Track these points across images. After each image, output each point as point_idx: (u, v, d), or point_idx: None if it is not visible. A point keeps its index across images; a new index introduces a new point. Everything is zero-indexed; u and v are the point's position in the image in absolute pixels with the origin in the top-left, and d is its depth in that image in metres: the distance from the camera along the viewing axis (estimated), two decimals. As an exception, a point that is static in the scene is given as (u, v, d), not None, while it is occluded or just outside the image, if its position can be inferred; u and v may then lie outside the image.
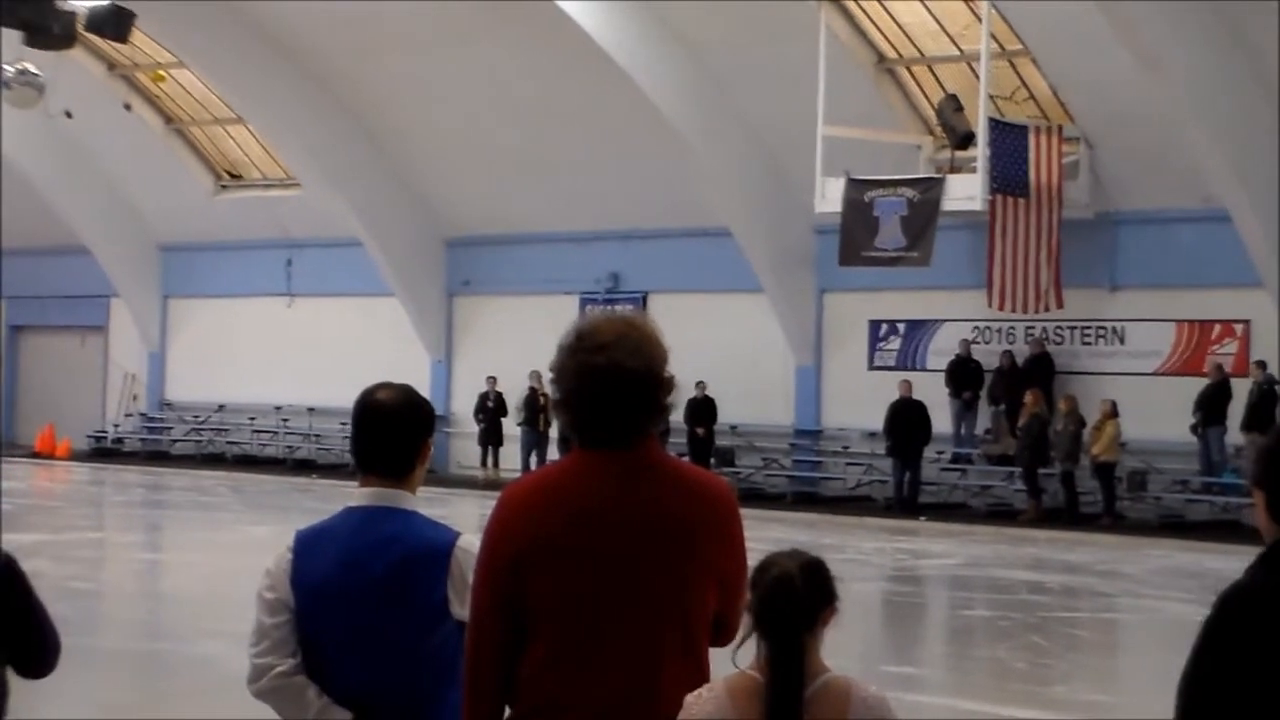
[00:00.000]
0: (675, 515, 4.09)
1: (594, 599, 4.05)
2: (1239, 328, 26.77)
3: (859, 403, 29.86)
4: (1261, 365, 25.72)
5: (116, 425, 40.24)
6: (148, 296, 40.02)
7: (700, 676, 4.02)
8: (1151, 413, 26.57)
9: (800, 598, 3.81)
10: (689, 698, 3.86)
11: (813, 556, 3.93)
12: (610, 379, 4.06)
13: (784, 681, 3.78)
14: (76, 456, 37.95)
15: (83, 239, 38.98)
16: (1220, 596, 3.64)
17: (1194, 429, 26.11)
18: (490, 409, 33.11)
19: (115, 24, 27.38)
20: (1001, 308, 27.82)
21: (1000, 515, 27.79)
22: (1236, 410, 25.57)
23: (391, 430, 4.62)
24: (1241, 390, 25.72)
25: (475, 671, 4.13)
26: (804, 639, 3.80)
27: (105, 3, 27.31)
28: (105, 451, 38.98)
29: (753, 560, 3.99)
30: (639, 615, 4.06)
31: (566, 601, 4.06)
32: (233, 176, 38.26)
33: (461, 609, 4.38)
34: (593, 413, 4.10)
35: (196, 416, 38.98)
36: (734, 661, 3.94)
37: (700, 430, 30.46)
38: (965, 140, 27.18)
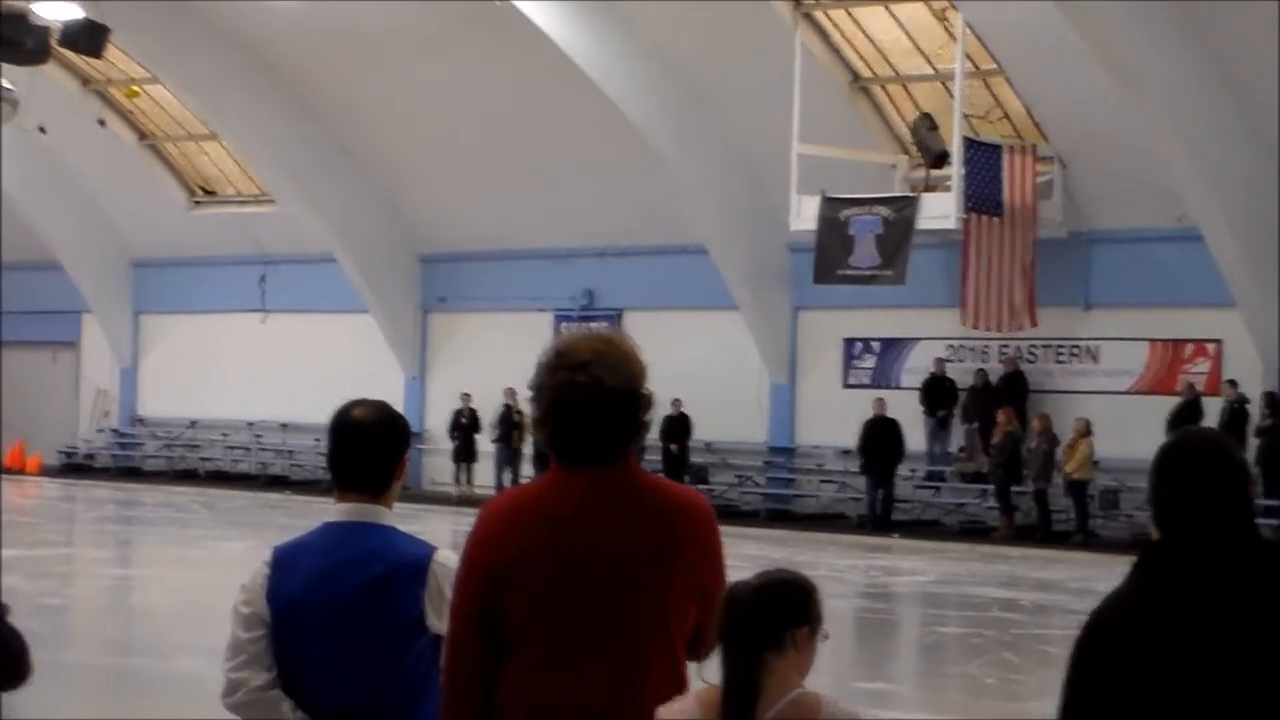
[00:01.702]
0: (654, 531, 4.10)
1: (573, 615, 4.06)
2: (1211, 347, 26.87)
3: (833, 420, 29.88)
4: (1233, 384, 25.83)
5: (88, 441, 40.11)
6: (120, 312, 39.89)
7: (678, 689, 4.04)
8: (1125, 431, 26.62)
9: (748, 613, 3.84)
10: (660, 709, 3.91)
11: (792, 575, 3.95)
12: (590, 397, 4.08)
13: (734, 696, 3.81)
14: (47, 472, 37.81)
15: (55, 254, 38.86)
16: (1093, 611, 3.65)
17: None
18: (464, 425, 33.07)
19: (89, 39, 27.32)
20: (976, 326, 27.88)
21: (973, 533, 27.84)
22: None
23: (368, 447, 4.63)
24: (1213, 409, 25.80)
25: (454, 687, 4.13)
26: (762, 655, 3.82)
27: (79, 18, 27.27)
28: (77, 467, 38.86)
29: (732, 577, 4.02)
30: (618, 631, 4.07)
31: (546, 617, 4.07)
32: (206, 192, 38.18)
33: (439, 623, 4.39)
34: (573, 430, 4.12)
35: (169, 432, 38.86)
36: (701, 677, 3.97)
37: (675, 447, 30.46)
38: (940, 159, 27.26)
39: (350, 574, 4.49)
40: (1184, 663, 3.50)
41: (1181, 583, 3.57)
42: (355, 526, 4.58)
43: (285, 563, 4.59)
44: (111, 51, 31.04)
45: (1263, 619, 3.52)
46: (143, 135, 37.55)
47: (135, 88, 36.15)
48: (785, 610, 3.88)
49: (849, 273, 27.99)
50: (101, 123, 36.40)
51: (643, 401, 4.16)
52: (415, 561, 4.52)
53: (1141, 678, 3.51)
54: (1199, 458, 3.69)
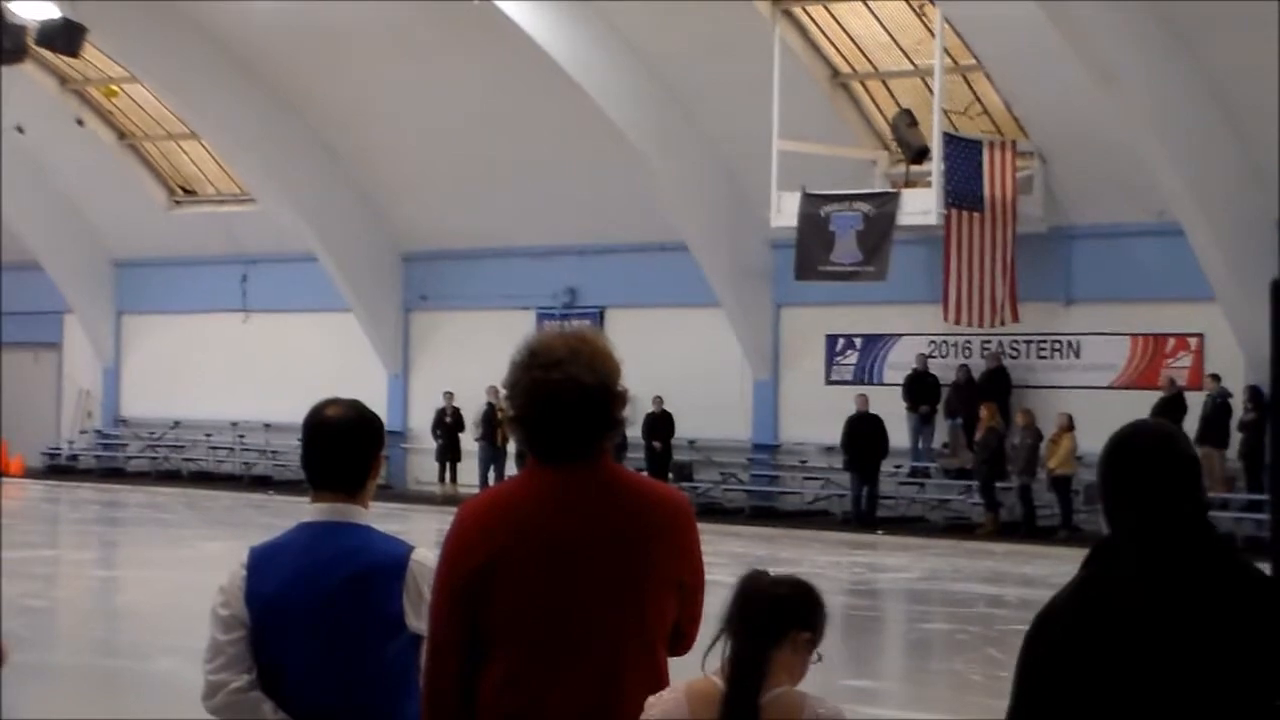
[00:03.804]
0: (632, 528, 4.10)
1: (553, 613, 4.06)
2: (1193, 341, 26.91)
3: (816, 417, 29.89)
4: (1215, 378, 25.86)
5: (71, 442, 40.03)
6: (102, 312, 39.81)
7: (660, 685, 4.04)
8: (1107, 426, 25.71)
9: (768, 604, 3.87)
10: (649, 700, 3.91)
11: (808, 583, 4.01)
12: (565, 395, 4.08)
13: (742, 683, 3.80)
14: (30, 474, 37.70)
15: (35, 255, 38.74)
16: (1044, 606, 3.63)
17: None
18: (447, 424, 33.04)
19: (66, 38, 27.27)
20: (958, 322, 27.90)
21: (958, 529, 27.87)
22: (1191, 423, 25.68)
23: (342, 446, 4.62)
24: (1195, 404, 25.85)
25: (434, 687, 4.13)
26: (770, 650, 3.83)
27: (56, 17, 27.20)
28: (59, 469, 38.77)
29: (711, 574, 4.02)
30: (598, 628, 4.07)
31: (525, 616, 4.07)
32: (187, 192, 38.11)
33: (417, 621, 4.39)
34: (548, 428, 4.12)
35: (152, 433, 38.79)
36: (703, 667, 3.97)
37: (658, 445, 30.45)
38: (920, 155, 27.29)
39: (327, 574, 4.49)
40: (1132, 658, 3.48)
41: (1128, 578, 3.55)
42: (331, 526, 4.57)
43: (262, 564, 4.58)
44: (89, 51, 31.01)
45: (1211, 613, 3.50)
46: (122, 135, 37.47)
47: (114, 87, 36.08)
48: (798, 609, 3.92)
49: (830, 269, 28.00)
50: (80, 122, 36.32)
51: (618, 398, 4.16)
52: (393, 560, 4.52)
53: (1089, 674, 3.49)
54: (1147, 451, 3.65)
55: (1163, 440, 3.68)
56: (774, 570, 4.02)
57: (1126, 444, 3.67)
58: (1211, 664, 3.46)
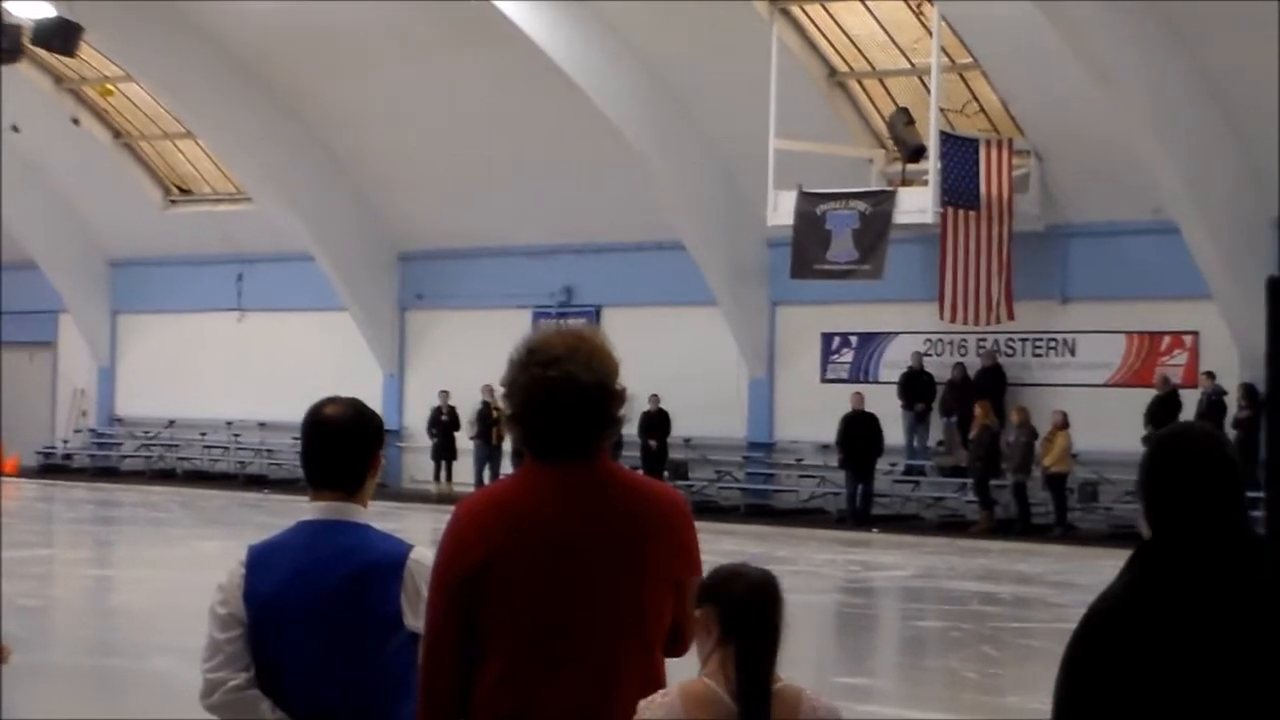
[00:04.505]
0: (630, 527, 4.10)
1: (550, 612, 4.06)
2: (1188, 339, 26.94)
3: (812, 415, 29.90)
4: (1210, 376, 25.89)
5: (66, 441, 40.00)
6: (97, 312, 39.80)
7: (656, 686, 4.02)
8: (1102, 424, 26.68)
9: (777, 601, 3.83)
10: (642, 703, 3.85)
11: (766, 571, 3.93)
12: (563, 393, 4.07)
13: (757, 687, 3.78)
14: (25, 473, 37.65)
15: (31, 254, 38.72)
16: (1088, 609, 3.62)
17: (1145, 440, 26.19)
18: (443, 423, 33.04)
19: (62, 37, 27.25)
20: (953, 320, 27.91)
21: (952, 527, 27.89)
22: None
23: (341, 444, 4.62)
24: (1191, 401, 25.87)
25: (430, 685, 4.13)
26: (777, 647, 3.81)
27: (52, 16, 27.18)
28: (54, 468, 38.74)
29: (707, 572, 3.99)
30: (596, 627, 4.06)
31: (522, 615, 4.06)
32: (183, 191, 38.09)
33: (415, 621, 4.39)
34: (545, 426, 4.11)
35: (147, 432, 38.77)
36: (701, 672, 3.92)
37: (653, 443, 30.46)
38: (916, 153, 27.29)
39: (326, 572, 4.48)
40: (1178, 662, 3.47)
41: (1174, 582, 3.54)
42: (330, 525, 4.57)
43: (261, 562, 4.58)
44: (85, 50, 30.96)
45: (1255, 617, 3.50)
46: (117, 134, 37.44)
47: (109, 86, 36.05)
48: (782, 601, 3.87)
49: (826, 267, 28.01)
50: (76, 121, 36.30)
51: (616, 397, 4.16)
52: (391, 559, 4.51)
53: (1136, 677, 3.48)
54: (1190, 454, 3.63)
55: (1208, 442, 3.67)
56: (773, 568, 3.99)
57: (1172, 445, 3.65)
58: (1262, 670, 3.47)
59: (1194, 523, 3.56)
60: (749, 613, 3.81)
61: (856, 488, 28.76)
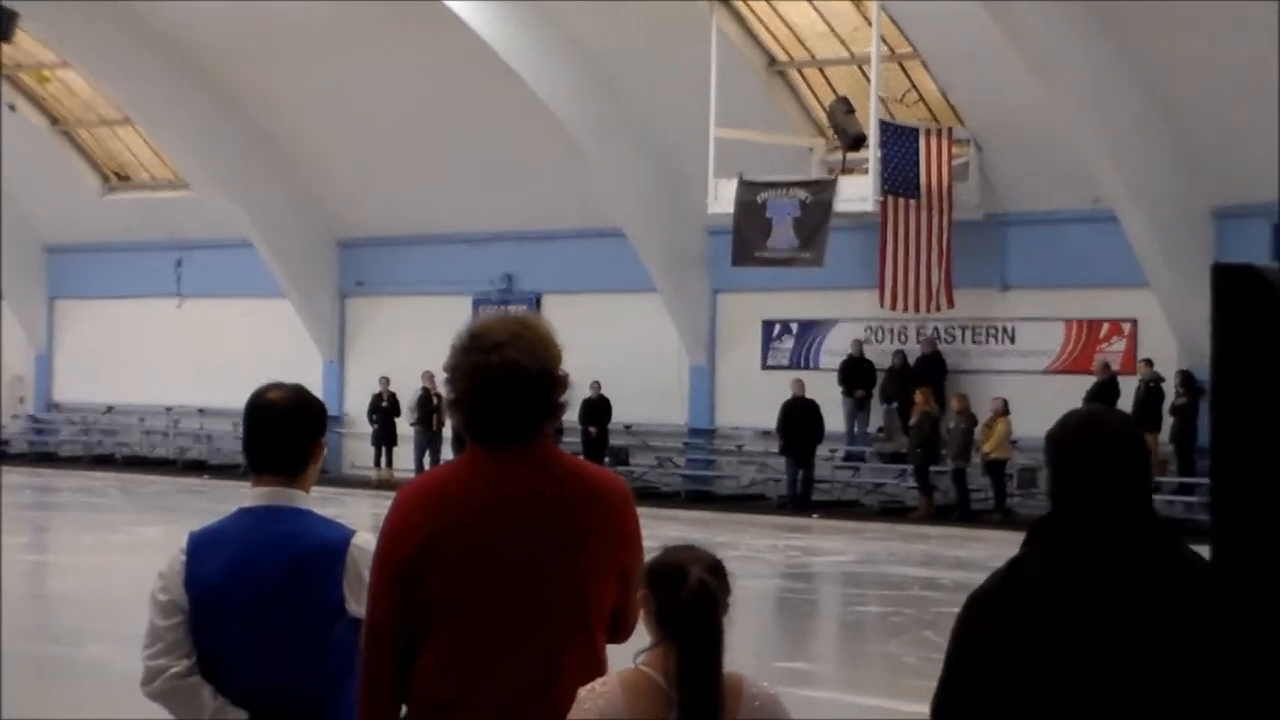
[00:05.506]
0: (571, 512, 4.11)
1: (491, 597, 4.07)
2: (1126, 326, 27.11)
3: (752, 402, 29.96)
4: (1149, 363, 26.08)
5: (3, 427, 39.70)
6: (34, 298, 39.54)
7: (598, 672, 4.02)
8: (1042, 411, 26.44)
9: (719, 607, 3.71)
10: (581, 691, 3.80)
11: (713, 556, 3.81)
12: (505, 378, 4.08)
13: (703, 693, 3.70)
14: (-38, 460, 37.38)
15: (-33, 240, 38.42)
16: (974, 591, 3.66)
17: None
18: (384, 409, 32.97)
19: (-1, 23, 27.01)
20: (894, 307, 28.03)
21: (892, 512, 28.02)
22: (1124, 408, 25.89)
23: (283, 430, 4.61)
24: (1129, 388, 26.05)
25: (372, 669, 4.13)
26: (723, 636, 3.74)
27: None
28: (-9, 454, 38.49)
29: (648, 558, 3.96)
30: (537, 613, 4.08)
31: (464, 600, 4.07)
32: (120, 178, 37.85)
33: (357, 606, 4.39)
34: (487, 412, 4.12)
35: (85, 418, 38.55)
36: (635, 661, 3.84)
37: (594, 429, 30.47)
38: (856, 142, 27.37)
39: (267, 558, 4.48)
40: (1059, 637, 3.52)
41: (1067, 557, 3.60)
42: (271, 510, 4.57)
43: (202, 548, 4.57)
44: (21, 36, 30.71)
45: (1148, 596, 3.55)
46: (54, 120, 37.17)
47: (46, 73, 35.77)
48: (727, 590, 3.76)
49: (767, 255, 28.07)
50: (12, 108, 36.00)
51: (558, 383, 4.17)
52: (333, 545, 4.52)
53: (1018, 652, 3.54)
54: (1091, 433, 3.71)
55: (1109, 423, 3.75)
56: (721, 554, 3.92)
57: (1072, 426, 3.73)
58: (1141, 647, 3.51)
59: (1092, 501, 3.62)
60: (689, 620, 3.70)
61: (797, 473, 28.84)
